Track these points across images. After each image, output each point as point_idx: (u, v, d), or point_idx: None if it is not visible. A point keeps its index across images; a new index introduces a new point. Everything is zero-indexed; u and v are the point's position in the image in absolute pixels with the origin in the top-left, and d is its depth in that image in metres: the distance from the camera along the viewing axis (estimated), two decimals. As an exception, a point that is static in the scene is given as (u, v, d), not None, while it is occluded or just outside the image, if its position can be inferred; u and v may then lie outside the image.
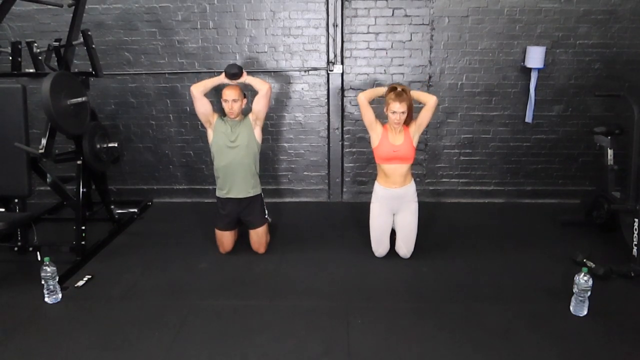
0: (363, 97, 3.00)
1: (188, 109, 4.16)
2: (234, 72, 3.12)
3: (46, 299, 2.67)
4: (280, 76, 4.09)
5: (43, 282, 2.64)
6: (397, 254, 3.16)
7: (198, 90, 3.07)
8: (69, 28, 3.19)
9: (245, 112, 3.21)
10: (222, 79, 3.15)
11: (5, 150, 2.90)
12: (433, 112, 2.98)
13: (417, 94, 3.03)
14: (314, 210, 4.18)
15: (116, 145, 3.58)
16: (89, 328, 2.44)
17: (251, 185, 3.17)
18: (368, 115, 3.01)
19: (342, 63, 3.99)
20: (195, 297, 2.74)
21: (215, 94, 3.70)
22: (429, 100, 2.95)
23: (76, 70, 3.52)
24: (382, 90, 3.06)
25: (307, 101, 4.14)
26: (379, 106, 3.18)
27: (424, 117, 2.99)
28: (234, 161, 3.09)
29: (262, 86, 3.12)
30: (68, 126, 2.99)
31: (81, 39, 3.27)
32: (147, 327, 2.45)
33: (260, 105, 3.11)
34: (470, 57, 3.97)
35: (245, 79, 3.17)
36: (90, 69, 3.40)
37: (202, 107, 3.09)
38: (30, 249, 3.19)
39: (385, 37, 3.95)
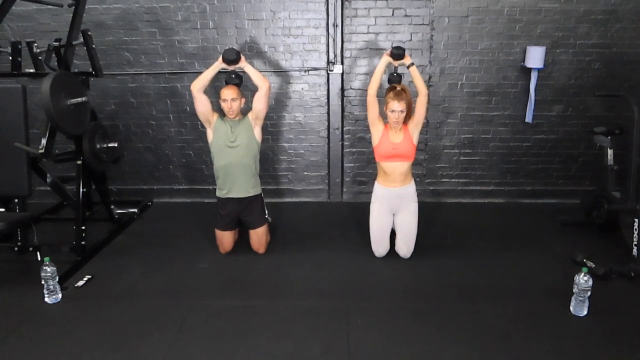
0: (372, 91, 2.99)
1: (188, 109, 4.16)
2: (232, 59, 3.05)
3: (46, 299, 2.67)
4: (280, 76, 4.09)
5: (43, 282, 2.64)
6: (397, 254, 3.16)
7: (197, 88, 3.03)
8: (69, 28, 3.19)
9: (245, 111, 3.20)
10: (219, 64, 3.08)
11: (5, 150, 2.89)
12: (426, 106, 2.99)
13: (415, 74, 3.01)
14: (314, 210, 4.18)
15: (116, 145, 3.57)
16: (89, 328, 2.44)
17: (251, 185, 3.17)
18: (373, 111, 3.02)
19: (342, 63, 4.00)
20: (195, 297, 2.73)
21: (215, 94, 3.69)
22: (421, 90, 2.96)
23: (76, 70, 3.52)
24: (382, 65, 3.04)
25: (307, 101, 4.14)
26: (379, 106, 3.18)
27: (419, 113, 3.00)
28: (234, 161, 3.09)
29: (262, 83, 3.09)
30: (68, 126, 2.99)
31: (81, 39, 3.28)
32: (147, 327, 2.44)
33: (260, 104, 3.10)
34: (470, 57, 3.97)
35: (244, 65, 3.11)
36: (90, 69, 3.41)
37: (202, 106, 3.06)
38: (30, 249, 3.19)
39: (385, 37, 3.95)
